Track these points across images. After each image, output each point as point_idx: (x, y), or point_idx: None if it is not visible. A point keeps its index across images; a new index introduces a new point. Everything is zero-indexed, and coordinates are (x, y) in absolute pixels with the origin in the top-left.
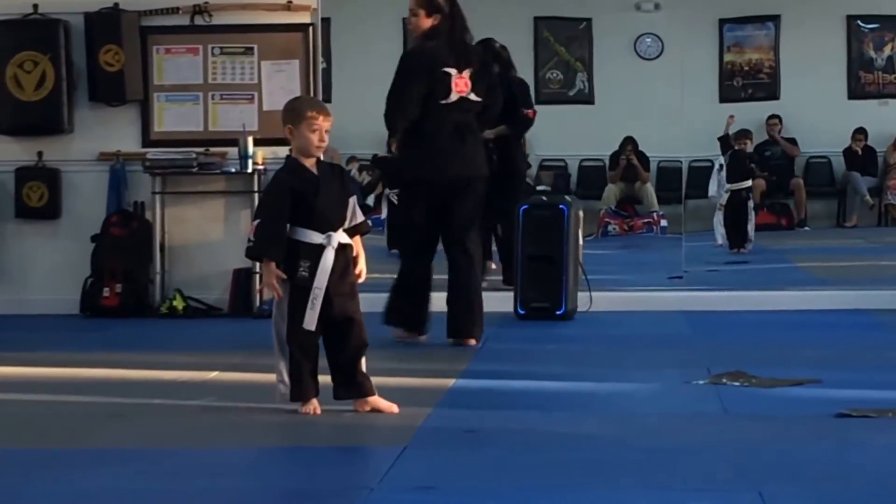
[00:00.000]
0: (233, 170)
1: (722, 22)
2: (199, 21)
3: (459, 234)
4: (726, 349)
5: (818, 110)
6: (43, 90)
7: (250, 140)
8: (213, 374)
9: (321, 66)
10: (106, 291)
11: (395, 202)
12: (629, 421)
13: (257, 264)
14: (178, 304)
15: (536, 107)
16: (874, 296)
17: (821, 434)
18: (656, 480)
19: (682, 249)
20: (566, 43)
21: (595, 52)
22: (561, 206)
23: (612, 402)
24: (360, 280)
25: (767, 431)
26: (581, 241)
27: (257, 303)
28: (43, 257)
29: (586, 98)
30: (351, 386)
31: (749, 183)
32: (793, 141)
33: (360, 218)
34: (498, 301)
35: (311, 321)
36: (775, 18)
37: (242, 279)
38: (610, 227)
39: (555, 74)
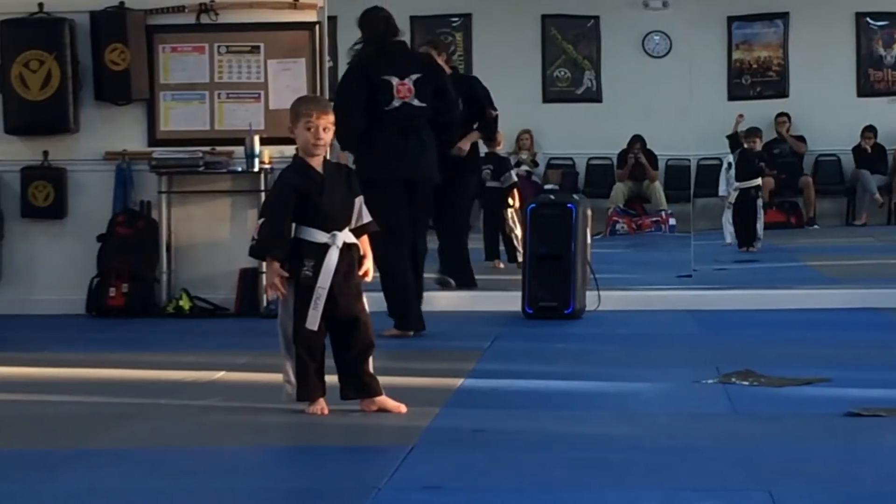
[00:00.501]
0: (239, 169)
1: (730, 19)
2: (205, 20)
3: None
4: (735, 348)
5: (827, 108)
6: (48, 89)
7: (256, 139)
8: (220, 374)
9: (328, 64)
10: (112, 291)
11: None
12: (638, 420)
13: (263, 263)
14: (185, 303)
15: (545, 105)
16: (884, 294)
17: (830, 433)
18: (665, 480)
19: (690, 248)
20: (574, 41)
21: (603, 49)
22: (569, 205)
23: (620, 402)
24: (367, 280)
25: (777, 431)
26: (589, 240)
27: (264, 302)
28: (49, 257)
29: (594, 96)
30: (358, 386)
31: (758, 181)
32: (801, 139)
33: (366, 218)
34: (506, 300)
35: (313, 321)
36: (784, 16)
37: (249, 279)
38: (618, 226)
39: (562, 72)
